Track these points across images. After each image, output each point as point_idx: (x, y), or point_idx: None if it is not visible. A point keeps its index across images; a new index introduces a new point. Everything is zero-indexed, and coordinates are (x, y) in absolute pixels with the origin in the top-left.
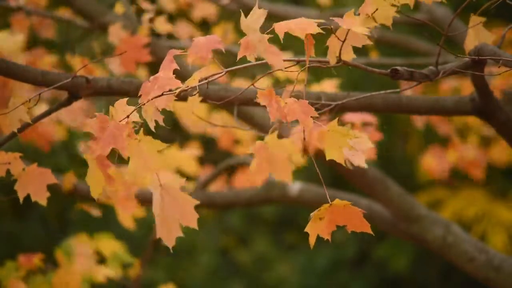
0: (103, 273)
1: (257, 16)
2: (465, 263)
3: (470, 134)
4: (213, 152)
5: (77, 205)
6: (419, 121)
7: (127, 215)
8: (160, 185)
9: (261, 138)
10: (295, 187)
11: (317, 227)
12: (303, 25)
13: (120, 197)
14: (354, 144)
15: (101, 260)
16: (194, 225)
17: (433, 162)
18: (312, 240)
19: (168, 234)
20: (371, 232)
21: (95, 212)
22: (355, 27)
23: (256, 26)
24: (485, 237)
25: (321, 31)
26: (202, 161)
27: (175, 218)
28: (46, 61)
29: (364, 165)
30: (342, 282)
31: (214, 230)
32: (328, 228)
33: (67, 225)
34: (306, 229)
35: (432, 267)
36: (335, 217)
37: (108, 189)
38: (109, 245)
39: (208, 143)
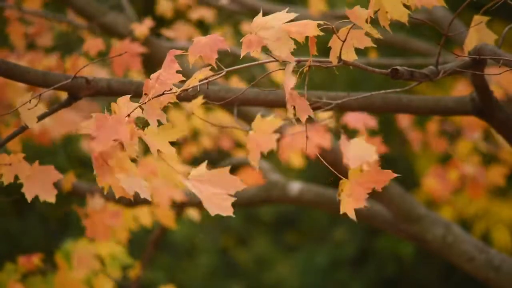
0: (102, 282)
1: (283, 17)
2: (465, 263)
3: (470, 152)
4: (210, 152)
5: (73, 208)
6: (415, 142)
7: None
8: (186, 177)
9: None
10: (295, 187)
11: (351, 202)
12: (303, 26)
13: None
14: (360, 152)
15: (101, 263)
16: (240, 186)
17: (435, 183)
18: (353, 215)
19: (220, 207)
20: (395, 174)
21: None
22: (363, 25)
23: (277, 24)
24: (488, 235)
25: (320, 33)
26: (199, 161)
27: (220, 192)
28: (45, 64)
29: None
30: (342, 281)
31: (213, 230)
32: (361, 197)
33: (67, 225)
34: (343, 210)
35: (432, 266)
36: (360, 189)
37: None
38: (109, 247)
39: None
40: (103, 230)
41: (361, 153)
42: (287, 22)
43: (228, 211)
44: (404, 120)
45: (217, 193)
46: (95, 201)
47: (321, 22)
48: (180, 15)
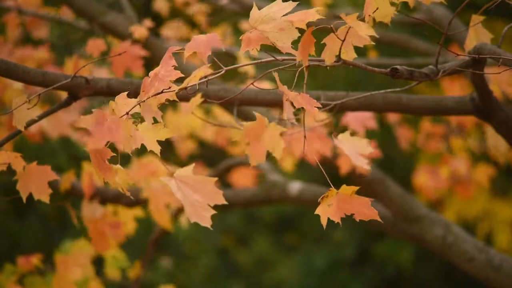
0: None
1: (280, 7)
2: (465, 263)
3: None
4: (207, 152)
5: (69, 210)
6: (403, 140)
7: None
8: (172, 175)
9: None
10: (295, 187)
11: (327, 211)
12: (304, 14)
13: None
14: (356, 148)
15: (100, 263)
16: (221, 201)
17: (426, 181)
18: (323, 221)
19: (200, 216)
20: (380, 219)
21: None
22: (361, 29)
23: (278, 15)
24: (490, 236)
25: (321, 16)
26: (195, 160)
27: (200, 200)
28: (36, 57)
29: (366, 167)
30: (342, 282)
31: (213, 231)
32: (337, 213)
33: (66, 226)
34: (317, 212)
35: (432, 266)
36: (343, 205)
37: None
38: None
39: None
40: (105, 240)
41: (355, 148)
42: (287, 13)
43: (207, 222)
44: (392, 116)
45: (198, 201)
46: (93, 207)
47: (318, 8)
48: (178, 13)
